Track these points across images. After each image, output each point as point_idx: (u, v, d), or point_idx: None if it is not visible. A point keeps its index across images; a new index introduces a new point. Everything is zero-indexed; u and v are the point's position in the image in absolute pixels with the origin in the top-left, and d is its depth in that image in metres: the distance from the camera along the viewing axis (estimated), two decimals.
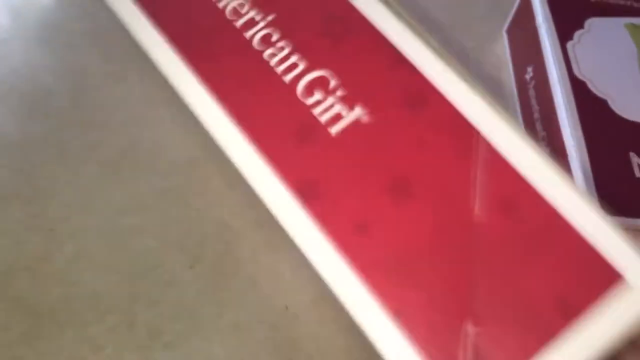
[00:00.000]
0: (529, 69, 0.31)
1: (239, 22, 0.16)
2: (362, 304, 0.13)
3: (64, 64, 0.33)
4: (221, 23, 0.16)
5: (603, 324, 0.12)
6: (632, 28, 0.30)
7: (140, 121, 0.31)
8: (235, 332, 0.24)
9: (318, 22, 0.15)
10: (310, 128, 0.14)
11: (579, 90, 0.28)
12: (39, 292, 0.25)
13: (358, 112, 0.14)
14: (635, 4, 0.31)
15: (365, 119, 0.14)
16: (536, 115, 0.30)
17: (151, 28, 0.17)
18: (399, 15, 0.15)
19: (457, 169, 0.13)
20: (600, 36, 0.30)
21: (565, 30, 0.30)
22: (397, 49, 0.15)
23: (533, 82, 0.31)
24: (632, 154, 0.26)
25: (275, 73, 0.15)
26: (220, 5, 0.16)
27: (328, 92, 0.14)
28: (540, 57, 0.30)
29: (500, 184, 0.13)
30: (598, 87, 0.28)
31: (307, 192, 0.14)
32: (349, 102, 0.14)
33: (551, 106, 0.28)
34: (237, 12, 0.16)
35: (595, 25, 0.30)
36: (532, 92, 0.31)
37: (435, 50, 0.15)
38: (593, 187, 0.25)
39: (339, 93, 0.14)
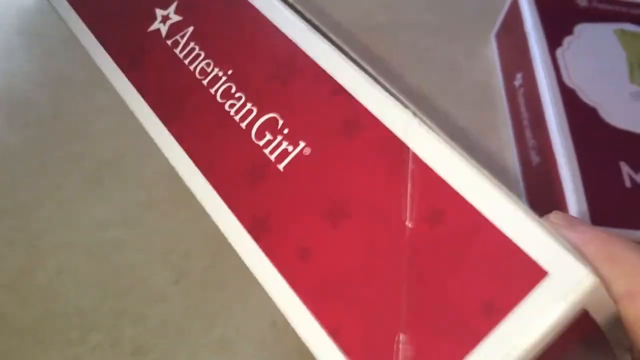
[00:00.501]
0: (518, 76, 0.31)
1: (206, 80, 0.18)
2: (305, 326, 0.14)
3: (44, 71, 0.32)
4: (191, 83, 0.18)
5: (528, 323, 0.12)
6: (622, 34, 0.30)
7: (123, 131, 0.30)
8: (222, 348, 0.24)
9: (269, 68, 0.17)
10: (262, 167, 0.16)
11: (569, 98, 0.27)
12: (20, 310, 0.25)
13: (301, 145, 0.16)
14: (624, 9, 0.31)
15: (308, 151, 0.15)
16: (525, 122, 0.30)
17: (135, 93, 0.19)
18: (337, 48, 0.16)
19: (389, 186, 0.14)
20: (590, 42, 0.30)
21: (554, 37, 0.29)
22: (335, 80, 0.16)
23: (522, 89, 0.30)
24: (622, 163, 0.26)
25: (234, 121, 0.17)
26: (192, 67, 0.18)
27: (276, 132, 0.16)
28: (529, 64, 0.29)
29: (428, 196, 0.14)
30: (587, 94, 0.28)
31: (258, 226, 0.16)
32: (294, 138, 0.16)
33: (540, 114, 0.28)
34: (204, 72, 0.18)
35: (584, 31, 0.30)
36: (521, 99, 0.30)
37: (370, 76, 0.15)
38: (583, 197, 0.25)
39: (286, 131, 0.16)
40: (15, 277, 0.25)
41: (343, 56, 0.16)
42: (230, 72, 0.17)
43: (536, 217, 0.13)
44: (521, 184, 0.30)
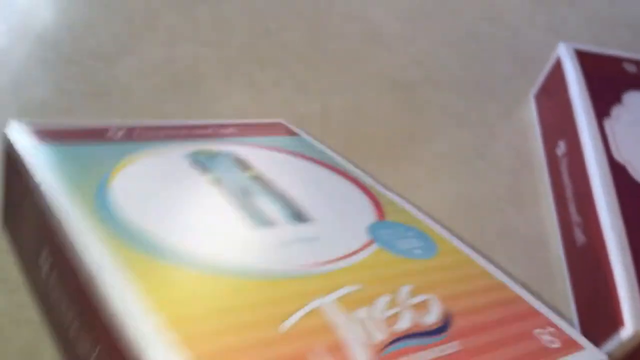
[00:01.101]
0: (561, 144, 0.29)
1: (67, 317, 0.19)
2: None
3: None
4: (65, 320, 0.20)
5: None
6: None
7: None
8: None
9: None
10: None
11: (619, 175, 0.25)
12: None
13: None
14: None
15: None
16: (569, 193, 0.28)
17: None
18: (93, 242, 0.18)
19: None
20: (639, 112, 0.28)
21: (601, 106, 0.27)
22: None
23: (566, 159, 0.28)
24: None
25: None
26: (63, 303, 0.20)
27: None
28: (574, 133, 0.27)
29: None
30: (639, 171, 0.26)
31: None
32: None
33: (587, 190, 0.26)
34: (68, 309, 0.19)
35: (633, 100, 0.28)
36: (564, 169, 0.28)
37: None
38: (636, 288, 0.23)
39: None
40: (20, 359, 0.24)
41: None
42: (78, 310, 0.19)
43: None
44: (564, 263, 0.28)
